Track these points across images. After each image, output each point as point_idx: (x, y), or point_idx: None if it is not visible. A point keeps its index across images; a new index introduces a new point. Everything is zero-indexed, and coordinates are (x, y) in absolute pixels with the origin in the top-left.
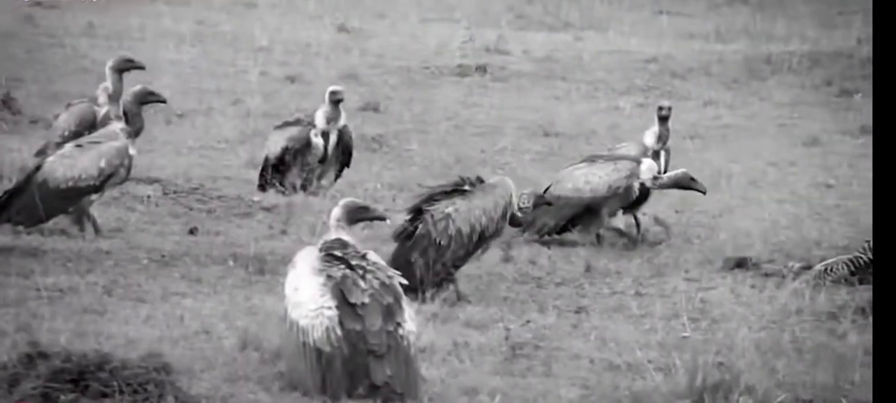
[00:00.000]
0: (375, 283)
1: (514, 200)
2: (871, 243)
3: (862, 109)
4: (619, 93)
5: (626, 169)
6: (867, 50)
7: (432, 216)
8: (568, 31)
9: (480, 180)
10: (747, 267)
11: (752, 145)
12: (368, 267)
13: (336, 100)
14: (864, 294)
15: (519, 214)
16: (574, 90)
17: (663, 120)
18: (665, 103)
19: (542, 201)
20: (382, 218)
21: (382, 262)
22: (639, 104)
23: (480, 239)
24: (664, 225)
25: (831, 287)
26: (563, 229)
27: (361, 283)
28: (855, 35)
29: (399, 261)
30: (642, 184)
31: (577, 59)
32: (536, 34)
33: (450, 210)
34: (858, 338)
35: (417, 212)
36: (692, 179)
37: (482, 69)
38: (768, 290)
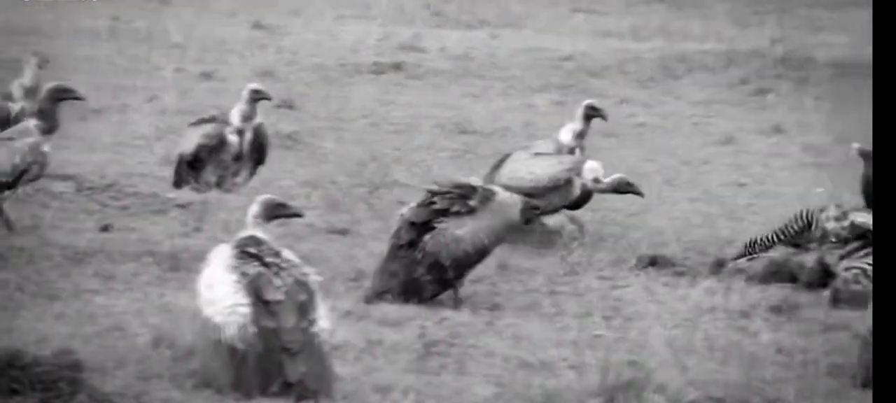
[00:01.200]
0: (289, 281)
1: (513, 217)
2: (807, 213)
3: (775, 108)
4: (534, 90)
5: (569, 162)
6: (781, 49)
7: (443, 236)
8: (484, 29)
9: (488, 197)
10: (661, 265)
11: (667, 143)
12: (283, 265)
13: (257, 99)
14: (777, 292)
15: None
16: (490, 88)
17: (588, 119)
18: (595, 102)
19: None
20: (299, 215)
21: (297, 259)
22: (554, 102)
23: (480, 257)
24: (578, 224)
25: (744, 286)
26: None
27: (276, 281)
28: (769, 35)
29: (405, 276)
30: (584, 185)
31: (493, 56)
32: (452, 32)
33: (461, 232)
34: (770, 336)
35: (423, 225)
36: (629, 184)
37: (398, 67)
38: (681, 289)
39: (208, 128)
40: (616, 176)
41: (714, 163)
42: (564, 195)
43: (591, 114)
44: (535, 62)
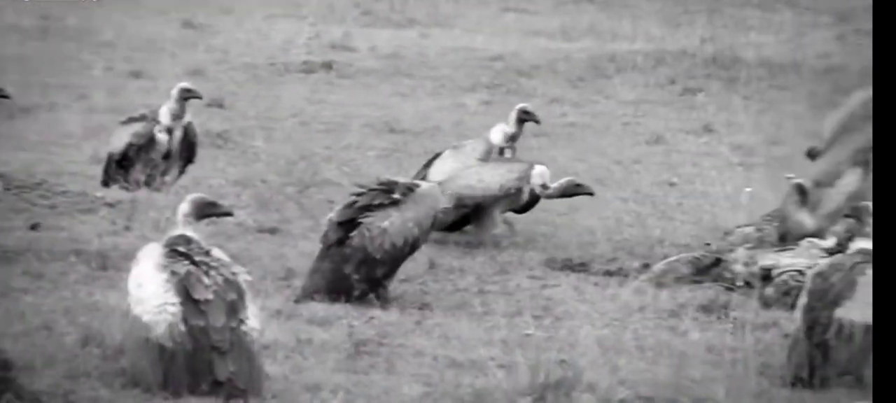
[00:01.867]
0: (219, 280)
1: (439, 207)
2: (712, 245)
3: (705, 108)
4: (464, 90)
5: (518, 170)
6: (710, 49)
7: (368, 230)
8: (414, 28)
9: (411, 188)
10: (591, 265)
11: (598, 143)
12: (212, 264)
13: (186, 97)
14: (707, 292)
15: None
16: (419, 87)
17: (521, 122)
18: (528, 106)
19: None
20: (229, 214)
21: (227, 258)
22: (484, 101)
23: (411, 250)
24: (508, 223)
25: (673, 285)
26: (454, 227)
27: (205, 279)
28: (698, 34)
29: (334, 274)
30: (532, 191)
31: (423, 56)
32: (382, 31)
33: (385, 224)
34: (700, 336)
35: (349, 223)
36: (578, 185)
37: (328, 66)
38: (611, 288)
39: (138, 127)
40: (564, 180)
41: (644, 163)
42: (515, 200)
43: (525, 118)
44: (464, 61)
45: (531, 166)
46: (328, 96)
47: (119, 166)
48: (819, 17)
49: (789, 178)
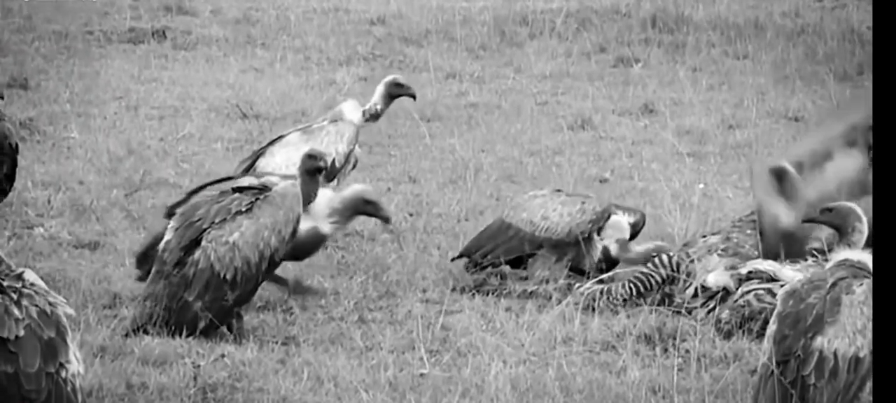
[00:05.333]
0: (33, 312)
1: (299, 211)
2: (666, 258)
3: (643, 83)
4: (336, 63)
5: (591, 212)
6: (649, 7)
7: (213, 245)
8: None
9: (265, 187)
10: (502, 285)
11: (507, 129)
12: (25, 291)
13: None
14: (650, 318)
15: None
16: (278, 60)
17: (391, 98)
18: (400, 77)
19: None
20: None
21: (42, 284)
22: (361, 77)
23: (270, 267)
24: (393, 233)
25: (607, 309)
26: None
27: (15, 311)
28: None
29: (172, 301)
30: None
31: (282, 20)
32: None
33: (234, 237)
34: (641, 374)
35: (194, 241)
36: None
37: (161, 34)
38: (528, 314)
39: None
40: (652, 244)
41: (567, 154)
42: (575, 255)
43: (396, 92)
44: (336, 27)
45: (606, 213)
46: (161, 73)
47: None
48: None
49: (767, 163)
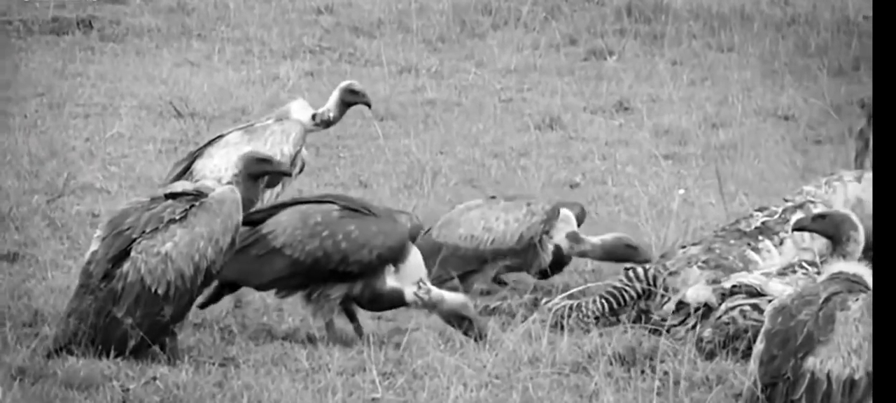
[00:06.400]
0: None
1: (238, 218)
2: (642, 271)
3: (619, 78)
4: (279, 56)
5: (541, 213)
6: None
7: (144, 256)
8: None
9: (200, 193)
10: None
11: (467, 128)
12: None
13: None
14: (625, 337)
15: None
16: (216, 53)
17: (346, 106)
18: (356, 84)
19: None
20: None
21: None
22: (307, 72)
23: (207, 279)
24: None
25: (578, 327)
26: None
27: None
28: None
29: (99, 318)
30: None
31: (220, 9)
32: None
33: (167, 247)
34: (615, 398)
35: (123, 252)
36: (630, 247)
37: (87, 24)
38: (491, 332)
39: None
40: (610, 236)
41: (534, 156)
42: (526, 260)
43: (351, 100)
44: (279, 16)
45: (556, 210)
46: (87, 67)
47: None
48: None
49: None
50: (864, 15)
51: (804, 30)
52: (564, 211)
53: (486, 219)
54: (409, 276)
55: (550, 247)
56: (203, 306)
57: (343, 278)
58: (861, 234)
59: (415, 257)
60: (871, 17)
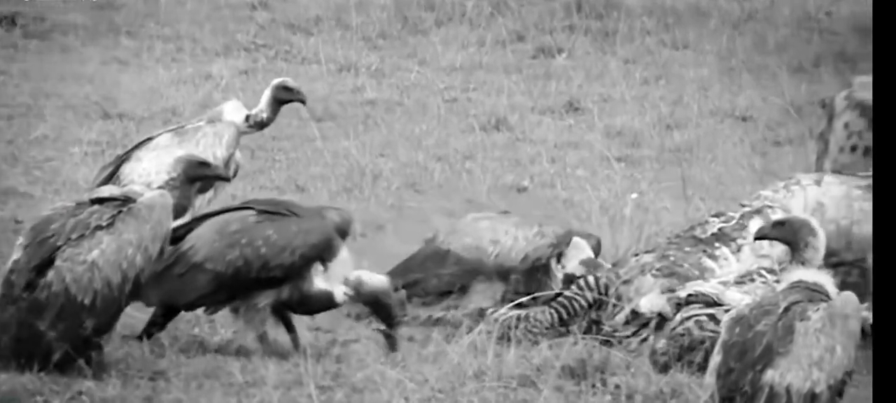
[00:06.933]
0: None
1: (169, 225)
2: (594, 279)
3: (569, 77)
4: (212, 54)
5: (552, 236)
6: None
7: (69, 265)
8: None
9: (129, 198)
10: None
11: (410, 130)
12: None
13: None
14: (575, 348)
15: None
16: (145, 50)
17: (280, 104)
18: (289, 81)
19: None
20: None
21: None
22: (241, 70)
23: (135, 290)
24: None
25: (526, 339)
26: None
27: None
28: None
29: (21, 331)
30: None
31: (151, 5)
32: None
33: (93, 255)
34: None
35: (46, 261)
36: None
37: (9, 20)
38: (434, 344)
39: None
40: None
41: (479, 158)
42: (528, 281)
43: (284, 97)
44: (212, 12)
45: (568, 235)
46: (10, 65)
47: None
48: None
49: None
50: (826, 11)
51: (763, 26)
52: (577, 239)
53: (495, 232)
54: (338, 275)
55: (560, 275)
56: (149, 334)
57: (268, 284)
58: (820, 240)
59: (344, 254)
60: (832, 13)
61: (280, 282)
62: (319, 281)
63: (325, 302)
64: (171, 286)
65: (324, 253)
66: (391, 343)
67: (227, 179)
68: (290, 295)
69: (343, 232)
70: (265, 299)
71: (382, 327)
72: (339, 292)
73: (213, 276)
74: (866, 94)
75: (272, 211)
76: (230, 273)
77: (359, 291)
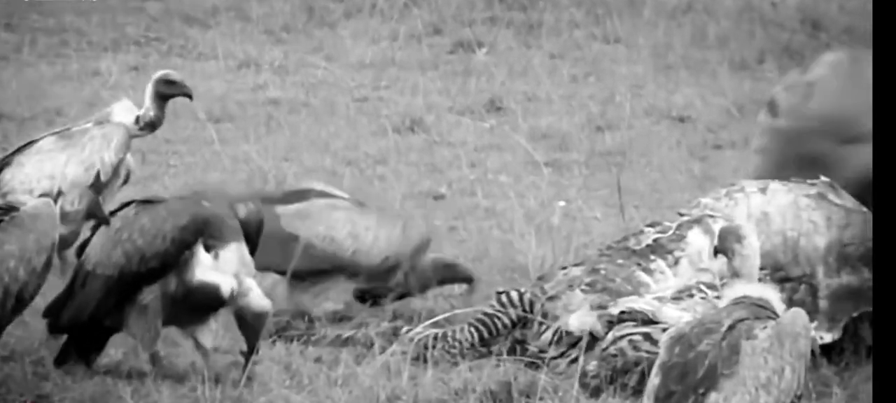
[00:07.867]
0: None
1: (55, 236)
2: (517, 294)
3: (489, 73)
4: (100, 49)
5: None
6: None
7: None
8: None
9: (11, 207)
10: (310, 328)
11: (316, 132)
12: None
13: None
14: (498, 370)
15: None
16: (26, 45)
17: (164, 99)
18: (173, 74)
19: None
20: None
21: None
22: (132, 67)
23: (19, 306)
24: None
25: (445, 359)
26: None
27: None
28: None
29: None
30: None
31: None
32: None
33: None
34: None
35: None
36: (451, 266)
37: None
38: (343, 366)
39: None
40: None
41: (392, 163)
42: (377, 281)
43: (167, 92)
44: (99, 3)
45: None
46: None
47: None
48: None
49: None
50: (771, 1)
51: (702, 18)
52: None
53: (354, 226)
54: (230, 269)
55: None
56: (87, 362)
57: (150, 278)
58: (749, 248)
59: (242, 250)
60: (778, 4)
61: (161, 274)
62: (204, 271)
63: (212, 296)
64: (80, 301)
65: (203, 238)
66: (243, 370)
67: (97, 185)
68: (175, 289)
69: (250, 227)
70: (150, 294)
71: (243, 348)
72: (227, 287)
73: (103, 281)
74: (783, 93)
75: (152, 200)
76: (116, 275)
77: (238, 304)
